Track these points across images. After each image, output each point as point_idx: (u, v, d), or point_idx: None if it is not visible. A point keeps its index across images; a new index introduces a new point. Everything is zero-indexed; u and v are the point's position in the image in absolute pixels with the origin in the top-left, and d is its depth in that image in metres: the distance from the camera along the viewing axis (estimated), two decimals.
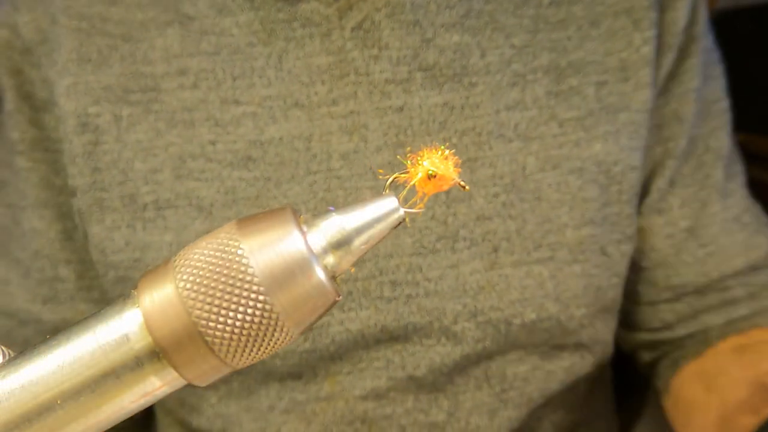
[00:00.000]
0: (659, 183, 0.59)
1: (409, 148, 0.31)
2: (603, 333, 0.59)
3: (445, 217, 0.53)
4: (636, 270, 0.61)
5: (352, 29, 0.52)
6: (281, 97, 0.53)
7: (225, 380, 0.57)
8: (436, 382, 0.55)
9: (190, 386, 0.61)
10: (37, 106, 0.57)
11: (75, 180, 0.55)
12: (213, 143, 0.54)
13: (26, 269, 0.58)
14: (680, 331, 0.61)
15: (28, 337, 0.58)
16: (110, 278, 0.56)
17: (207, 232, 0.53)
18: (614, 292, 0.57)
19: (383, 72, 0.53)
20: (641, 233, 0.59)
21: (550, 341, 0.56)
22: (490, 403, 0.56)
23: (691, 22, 0.58)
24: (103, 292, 0.58)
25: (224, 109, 0.54)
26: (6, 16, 0.57)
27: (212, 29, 0.54)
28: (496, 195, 0.53)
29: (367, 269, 0.53)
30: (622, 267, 0.57)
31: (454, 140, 0.53)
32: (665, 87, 0.58)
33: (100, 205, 0.55)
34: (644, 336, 0.64)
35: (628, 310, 0.62)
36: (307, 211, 0.52)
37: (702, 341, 0.60)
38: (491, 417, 0.56)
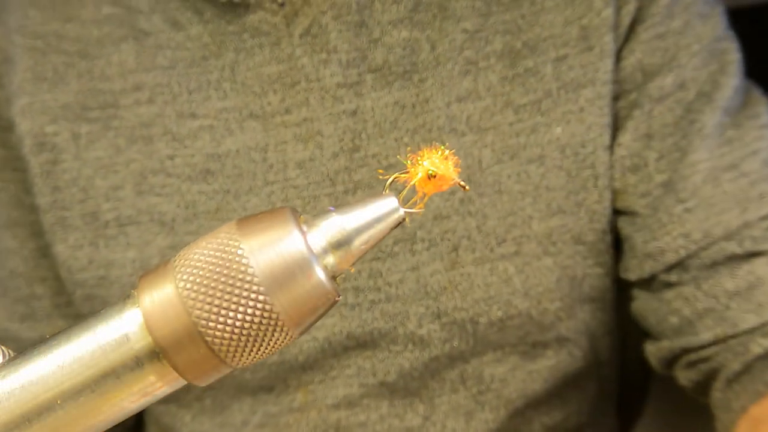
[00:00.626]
0: (626, 137, 0.53)
1: (409, 148, 0.31)
2: (589, 325, 0.57)
3: None
4: (622, 240, 0.55)
5: (301, 35, 0.52)
6: (236, 109, 0.53)
7: (197, 397, 0.57)
8: (409, 387, 0.55)
9: (163, 405, 0.60)
10: (3, 126, 0.56)
11: (37, 199, 0.55)
12: (171, 158, 0.54)
13: (3, 288, 0.58)
14: (704, 334, 0.52)
15: None
16: (78, 296, 0.56)
17: (170, 247, 0.53)
18: (596, 281, 0.55)
19: (334, 76, 0.52)
20: (619, 197, 0.54)
21: (526, 338, 0.55)
22: (466, 405, 0.56)
23: None
24: (78, 309, 0.57)
25: (181, 123, 0.54)
26: None
27: (167, 44, 0.54)
28: (452, 192, 0.52)
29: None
30: (609, 257, 0.55)
31: (406, 139, 0.52)
32: (629, 36, 0.53)
33: (62, 224, 0.55)
34: (665, 344, 0.54)
35: (640, 310, 0.56)
36: None
37: (740, 354, 0.50)
38: (468, 420, 0.56)
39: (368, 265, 0.53)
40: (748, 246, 0.51)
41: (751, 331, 0.50)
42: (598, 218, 0.54)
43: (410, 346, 0.54)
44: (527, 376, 0.56)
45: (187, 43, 0.54)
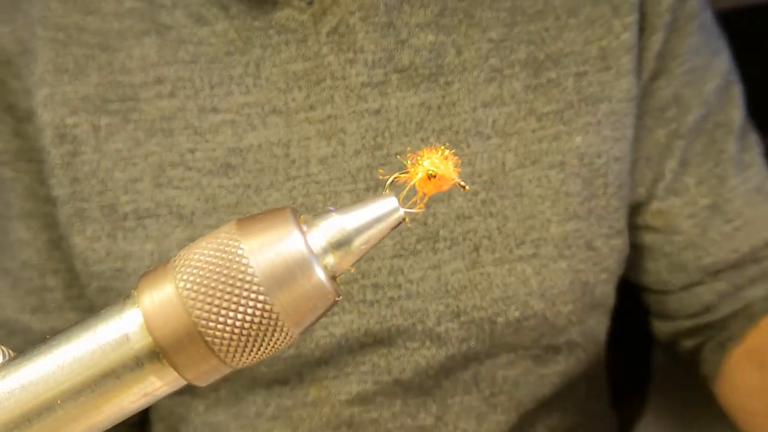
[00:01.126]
0: (671, 164, 0.58)
1: (410, 150, 0.31)
2: (595, 331, 0.59)
3: (425, 218, 0.53)
4: (659, 257, 0.60)
5: (328, 34, 0.52)
6: (259, 104, 0.53)
7: (212, 388, 0.57)
8: (423, 386, 0.55)
9: (177, 395, 0.61)
10: (20, 117, 0.57)
11: (55, 190, 0.55)
12: (192, 151, 0.54)
13: (14, 279, 0.58)
14: (723, 310, 0.59)
15: (17, 347, 0.58)
16: (93, 288, 0.56)
17: (188, 240, 0.53)
18: (604, 288, 0.57)
19: (359, 75, 0.53)
20: (662, 216, 0.58)
21: (540, 341, 0.56)
22: (478, 407, 0.56)
23: (681, 0, 0.56)
24: (91, 301, 0.57)
25: (202, 117, 0.54)
26: None
27: (190, 38, 0.54)
28: (475, 193, 0.53)
29: (348, 273, 0.53)
30: (612, 262, 0.57)
31: (432, 140, 0.53)
32: (663, 68, 0.57)
33: (80, 216, 0.55)
34: (685, 323, 0.61)
35: (661, 300, 0.61)
36: None
37: (746, 317, 0.58)
38: (480, 422, 0.56)
39: (389, 262, 0.53)
40: None
41: (758, 299, 0.58)
42: (604, 223, 0.56)
43: (427, 343, 0.54)
44: (538, 380, 0.57)
45: (211, 39, 0.54)
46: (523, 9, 0.54)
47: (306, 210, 0.52)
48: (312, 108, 0.53)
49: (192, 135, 0.54)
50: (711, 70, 0.58)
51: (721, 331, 0.60)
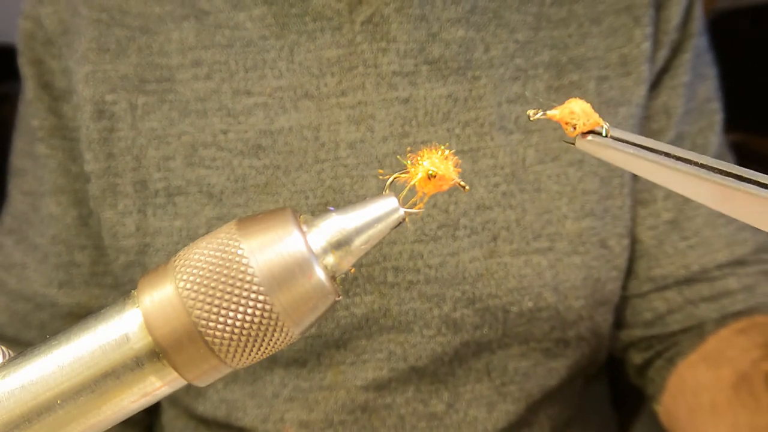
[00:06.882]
0: None
1: (409, 149, 0.31)
2: (602, 327, 0.60)
3: (447, 206, 0.54)
4: None
5: (362, 23, 0.54)
6: (292, 88, 0.55)
7: None
8: (437, 373, 0.56)
9: None
10: (55, 96, 0.58)
11: (90, 165, 0.56)
12: (224, 132, 0.55)
13: (43, 254, 0.60)
14: (673, 325, 0.60)
15: (44, 321, 0.60)
16: (120, 263, 0.57)
17: (216, 218, 0.54)
18: (613, 286, 0.58)
19: (391, 64, 0.54)
20: None
21: (550, 334, 0.57)
22: (489, 396, 0.57)
23: (686, 21, 0.59)
24: (116, 278, 0.59)
25: (236, 99, 0.55)
26: (30, 8, 0.59)
27: (226, 23, 0.56)
28: (496, 185, 0.54)
29: (371, 255, 0.54)
30: (622, 260, 0.58)
31: (457, 131, 0.55)
32: (657, 81, 0.59)
33: (113, 191, 0.56)
34: (637, 332, 0.62)
35: (618, 305, 0.62)
36: (314, 198, 0.54)
37: (697, 335, 0.58)
38: (490, 410, 0.57)
39: (410, 246, 0.54)
40: (728, 272, 0.59)
41: (711, 320, 0.58)
42: (618, 223, 0.57)
43: (443, 329, 0.55)
44: (547, 372, 0.58)
45: (247, 23, 0.56)
46: (548, 15, 0.57)
47: (334, 192, 0.54)
48: (343, 94, 0.54)
49: (225, 116, 0.55)
50: (694, 91, 0.60)
51: (671, 347, 0.60)
